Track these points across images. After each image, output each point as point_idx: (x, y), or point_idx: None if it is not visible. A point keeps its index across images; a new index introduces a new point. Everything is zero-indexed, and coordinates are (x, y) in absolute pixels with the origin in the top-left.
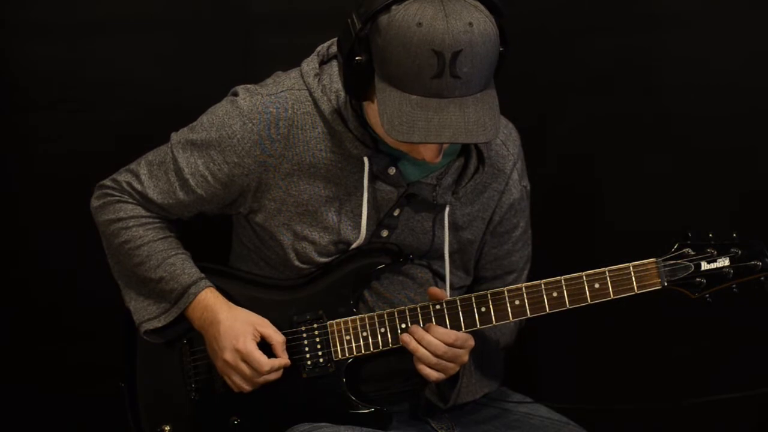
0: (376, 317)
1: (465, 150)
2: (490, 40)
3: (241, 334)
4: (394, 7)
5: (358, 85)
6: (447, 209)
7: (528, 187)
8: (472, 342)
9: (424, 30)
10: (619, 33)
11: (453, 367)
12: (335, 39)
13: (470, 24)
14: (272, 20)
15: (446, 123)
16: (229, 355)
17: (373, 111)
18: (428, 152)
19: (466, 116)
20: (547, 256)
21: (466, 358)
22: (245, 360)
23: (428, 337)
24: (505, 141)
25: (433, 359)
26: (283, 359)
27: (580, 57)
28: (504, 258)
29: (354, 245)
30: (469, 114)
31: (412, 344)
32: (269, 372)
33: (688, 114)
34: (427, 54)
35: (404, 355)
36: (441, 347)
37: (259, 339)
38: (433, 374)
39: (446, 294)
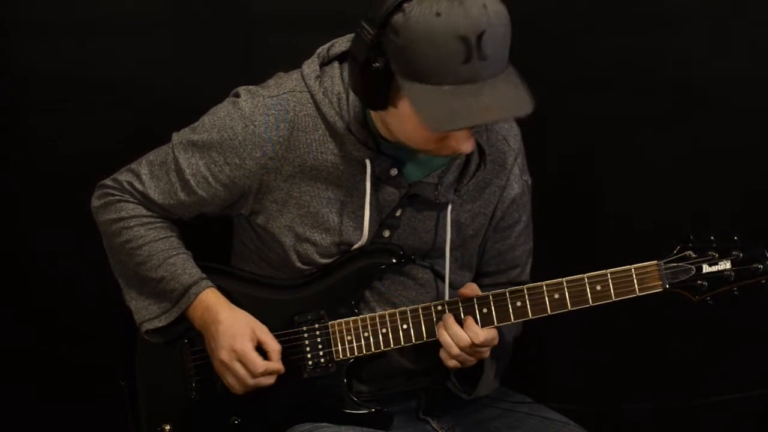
0: (377, 318)
1: None
2: (505, 17)
3: (239, 334)
4: (405, 5)
5: (380, 93)
6: (449, 207)
7: (529, 182)
8: (496, 341)
9: (444, 19)
10: (620, 32)
11: (472, 361)
12: (336, 40)
13: (484, 6)
14: (272, 20)
15: (485, 105)
16: (225, 355)
17: (396, 117)
18: (462, 144)
19: (501, 94)
20: (548, 255)
21: (487, 355)
22: (240, 360)
23: (455, 328)
24: (505, 136)
25: (455, 350)
26: (278, 365)
27: (581, 56)
28: (507, 253)
29: (356, 246)
30: (504, 92)
31: (440, 329)
32: (263, 374)
33: (688, 113)
34: (453, 41)
35: (405, 355)
36: (465, 342)
37: (256, 343)
38: (451, 363)
39: (478, 290)
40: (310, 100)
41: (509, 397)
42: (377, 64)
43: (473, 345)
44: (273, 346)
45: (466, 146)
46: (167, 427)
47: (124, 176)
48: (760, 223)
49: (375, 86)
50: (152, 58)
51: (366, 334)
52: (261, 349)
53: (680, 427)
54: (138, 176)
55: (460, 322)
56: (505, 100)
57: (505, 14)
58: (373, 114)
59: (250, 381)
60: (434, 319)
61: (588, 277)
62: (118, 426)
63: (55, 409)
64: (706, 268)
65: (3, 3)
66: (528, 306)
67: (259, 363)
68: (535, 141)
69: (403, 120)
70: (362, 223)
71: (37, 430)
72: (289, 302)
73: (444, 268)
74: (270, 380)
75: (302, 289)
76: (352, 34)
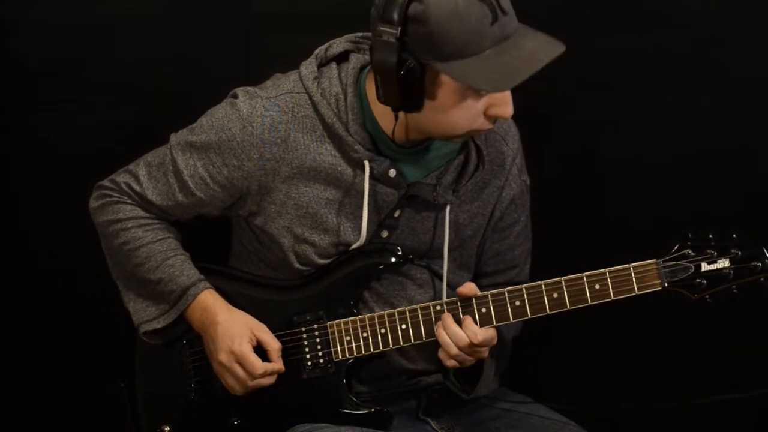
0: (376, 318)
1: (464, 148)
2: None
3: (237, 336)
4: None
5: (417, 91)
6: (447, 208)
7: (527, 182)
8: (495, 341)
9: None
10: (620, 32)
11: (471, 361)
12: (333, 41)
13: None
14: (272, 20)
15: (531, 51)
16: (224, 356)
17: (434, 110)
18: (507, 107)
19: (535, 40)
20: (547, 255)
21: (485, 354)
22: (239, 362)
23: (454, 328)
24: (504, 136)
25: (454, 350)
26: (278, 365)
27: (581, 56)
28: (506, 253)
29: (354, 246)
30: (535, 37)
31: (439, 329)
32: (263, 376)
33: (688, 113)
34: (476, 7)
35: (404, 355)
36: (464, 341)
37: (255, 343)
38: (450, 362)
39: (477, 289)
40: (308, 101)
41: (509, 397)
42: (409, 63)
43: (472, 345)
44: (273, 344)
45: (510, 108)
46: (167, 428)
47: (121, 177)
48: (759, 222)
49: (412, 86)
50: (152, 58)
51: (365, 335)
52: (261, 349)
53: (679, 428)
54: (136, 177)
55: (459, 322)
56: (543, 44)
57: None
58: (383, 118)
59: (250, 382)
60: (433, 319)
61: (587, 276)
62: (118, 426)
63: (55, 409)
64: (704, 267)
65: (3, 3)
66: (527, 305)
67: (258, 365)
68: (535, 141)
69: (445, 108)
70: (360, 224)
71: (36, 430)
72: (288, 303)
73: (441, 268)
74: (270, 380)
75: (301, 289)
76: (350, 35)
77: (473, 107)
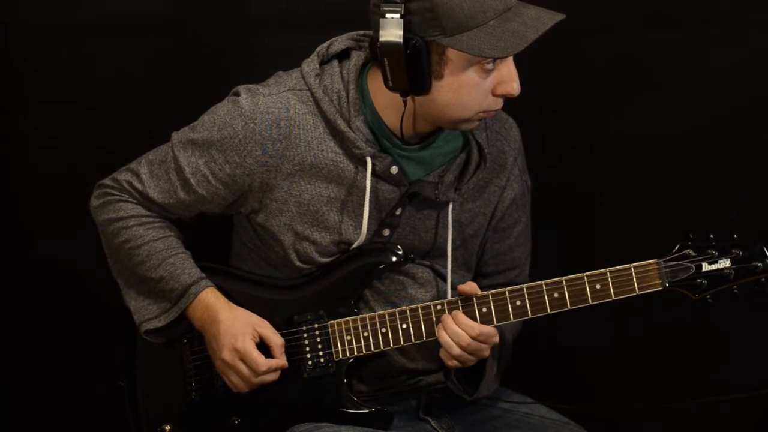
0: (377, 317)
1: (466, 146)
2: None
3: (240, 333)
4: None
5: (425, 71)
6: (450, 206)
7: (529, 182)
8: (496, 339)
9: None
10: (620, 33)
11: (473, 360)
12: (335, 38)
13: None
14: (272, 20)
15: (534, 18)
16: (227, 354)
17: (442, 91)
18: (513, 84)
19: (535, 9)
20: (548, 255)
21: (487, 353)
22: (243, 359)
23: (453, 327)
24: (505, 136)
25: (456, 350)
26: (281, 361)
27: (581, 56)
28: (506, 253)
29: (355, 245)
30: (533, 7)
31: (439, 330)
32: (266, 372)
33: (688, 113)
34: None
35: (405, 355)
36: (465, 338)
37: (258, 340)
38: (452, 363)
39: (477, 288)
40: (310, 98)
41: (509, 397)
42: (415, 41)
43: (472, 338)
44: (275, 340)
45: (517, 85)
46: (167, 427)
47: (123, 176)
48: (760, 222)
49: (420, 66)
50: (152, 58)
51: (366, 334)
52: (263, 345)
53: (679, 428)
54: (137, 175)
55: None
56: (542, 12)
57: None
58: (387, 114)
59: (254, 379)
60: (434, 318)
61: (587, 276)
62: (118, 426)
63: (56, 409)
64: (705, 267)
65: (3, 3)
66: (528, 305)
67: (261, 361)
68: (535, 141)
69: (452, 87)
70: (361, 222)
71: (36, 430)
72: (289, 302)
73: (444, 267)
74: (274, 377)
75: (301, 288)
76: (352, 32)
77: (481, 85)
